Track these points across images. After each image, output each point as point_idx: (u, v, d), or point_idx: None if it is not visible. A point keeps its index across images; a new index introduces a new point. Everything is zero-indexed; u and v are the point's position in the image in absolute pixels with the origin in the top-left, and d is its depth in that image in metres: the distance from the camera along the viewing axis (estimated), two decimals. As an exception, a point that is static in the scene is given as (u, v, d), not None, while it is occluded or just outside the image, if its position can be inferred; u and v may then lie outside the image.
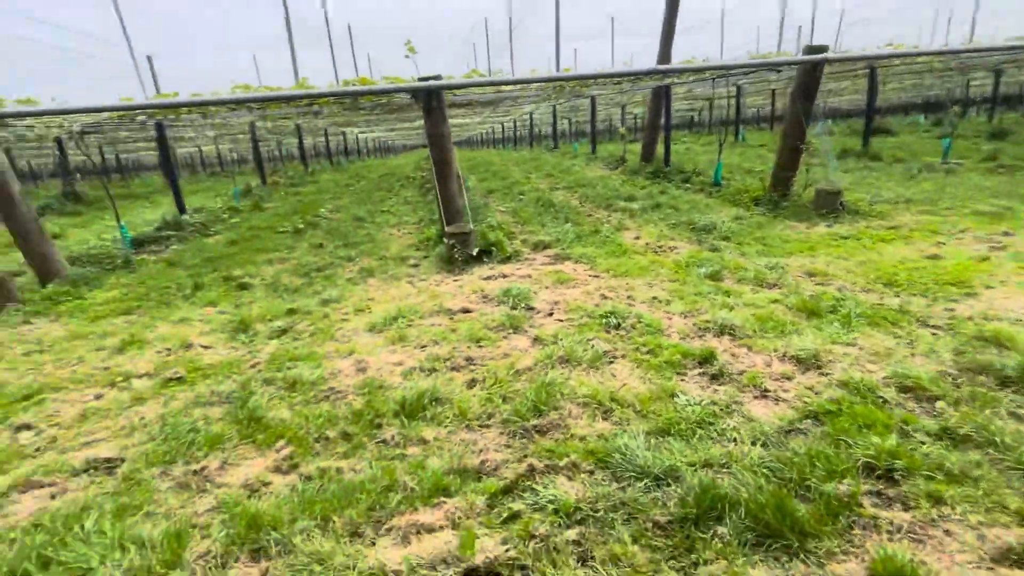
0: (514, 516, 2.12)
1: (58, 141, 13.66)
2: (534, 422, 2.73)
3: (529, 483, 2.29)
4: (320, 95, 5.90)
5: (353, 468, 2.47)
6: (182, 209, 9.48)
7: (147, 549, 2.01)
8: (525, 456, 2.48)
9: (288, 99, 6.08)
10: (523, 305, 4.45)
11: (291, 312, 4.76)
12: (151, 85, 20.14)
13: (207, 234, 8.81)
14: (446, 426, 2.79)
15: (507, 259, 5.99)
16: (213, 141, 23.93)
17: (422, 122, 6.45)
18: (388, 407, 2.94)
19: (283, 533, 2.06)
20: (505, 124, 36.54)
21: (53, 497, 2.43)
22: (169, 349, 4.11)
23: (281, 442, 2.72)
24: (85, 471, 2.61)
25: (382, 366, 3.54)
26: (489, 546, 1.96)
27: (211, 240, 8.38)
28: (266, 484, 2.42)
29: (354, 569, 1.87)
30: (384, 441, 2.68)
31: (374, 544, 2.02)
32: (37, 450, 2.79)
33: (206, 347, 4.12)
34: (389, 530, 2.08)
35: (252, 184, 15.13)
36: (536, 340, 3.77)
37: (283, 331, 4.33)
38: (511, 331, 3.98)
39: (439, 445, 2.63)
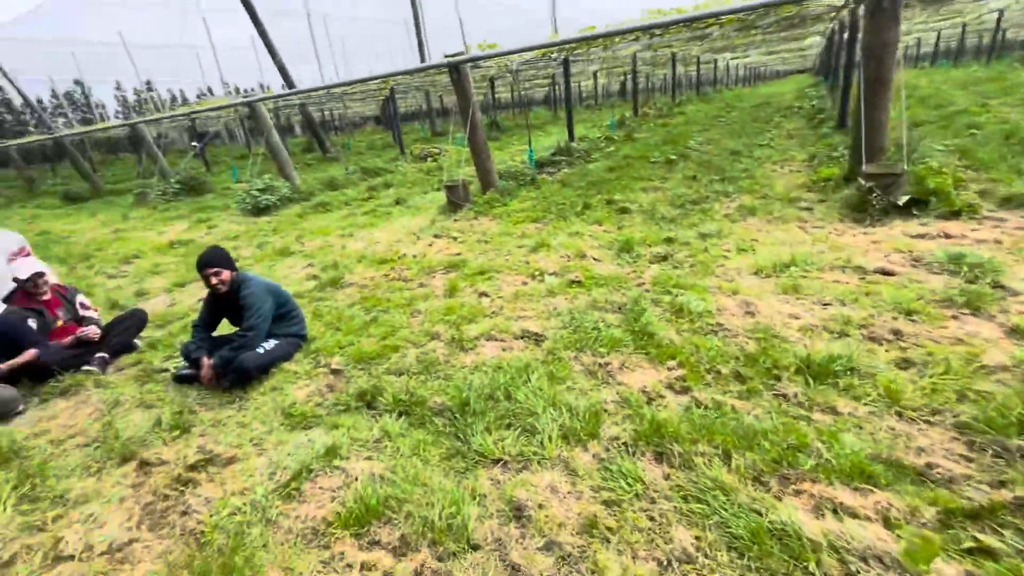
0: (986, 553, 1.60)
1: (490, 81, 17.51)
2: (1018, 442, 1.97)
3: (1013, 520, 1.67)
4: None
5: (750, 412, 2.35)
6: (572, 137, 10.89)
7: (573, 415, 2.44)
8: (1004, 482, 1.82)
9: (710, 16, 5.80)
10: (987, 280, 3.22)
11: (669, 240, 4.86)
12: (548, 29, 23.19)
13: (589, 160, 9.88)
14: (865, 404, 2.32)
15: (953, 214, 4.44)
16: (592, 76, 26.19)
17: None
18: (788, 360, 2.65)
19: (684, 448, 2.15)
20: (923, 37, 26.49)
21: (504, 350, 3.24)
22: (568, 256, 4.83)
23: (672, 362, 2.83)
24: (521, 337, 3.36)
25: (773, 315, 3.21)
26: (950, 574, 1.54)
27: (592, 166, 9.35)
28: (661, 396, 2.57)
29: (764, 516, 1.79)
30: (784, 396, 2.44)
31: (779, 499, 1.88)
32: (493, 313, 3.77)
33: (596, 259, 4.66)
34: (798, 493, 1.90)
35: (625, 115, 16.00)
36: (1014, 331, 2.69)
37: (663, 257, 4.47)
38: (965, 310, 2.96)
39: (856, 423, 2.22)
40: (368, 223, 7.38)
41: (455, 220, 6.74)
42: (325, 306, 4.28)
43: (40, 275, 3.69)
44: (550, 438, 2.31)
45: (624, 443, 2.26)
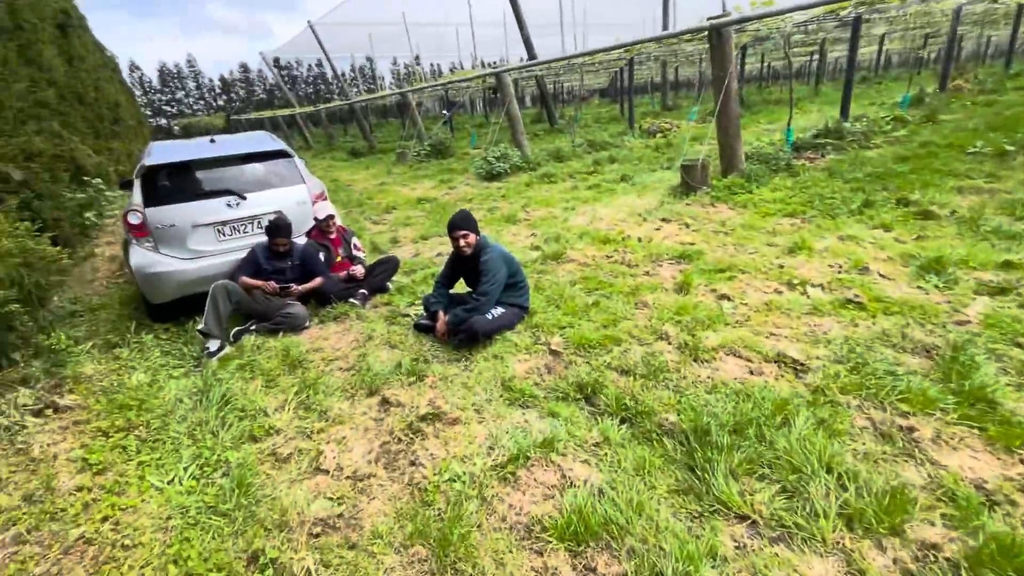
0: None
1: (742, 49, 15.41)
2: None
3: None
4: None
5: None
6: (846, 115, 8.85)
7: (862, 490, 1.81)
8: None
9: None
10: None
11: (1008, 265, 3.46)
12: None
13: (866, 146, 7.90)
14: None
15: None
16: (878, 41, 21.10)
17: None
18: None
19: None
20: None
21: (751, 373, 2.67)
22: (840, 265, 3.83)
23: (1033, 455, 1.91)
24: (775, 361, 2.73)
25: None
26: None
27: (872, 153, 7.44)
28: (1012, 503, 1.74)
29: None
30: None
31: None
32: (737, 322, 3.18)
33: (884, 276, 3.59)
34: None
35: (926, 90, 12.43)
36: None
37: (1000, 289, 3.18)
38: None
39: None
40: (591, 198, 7.20)
41: (687, 204, 6.07)
42: (546, 280, 4.23)
43: (331, 217, 4.43)
44: (825, 513, 1.75)
45: (947, 559, 1.58)
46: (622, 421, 2.39)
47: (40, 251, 3.60)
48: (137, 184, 4.04)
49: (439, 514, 1.98)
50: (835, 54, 29.23)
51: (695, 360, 2.83)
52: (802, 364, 2.66)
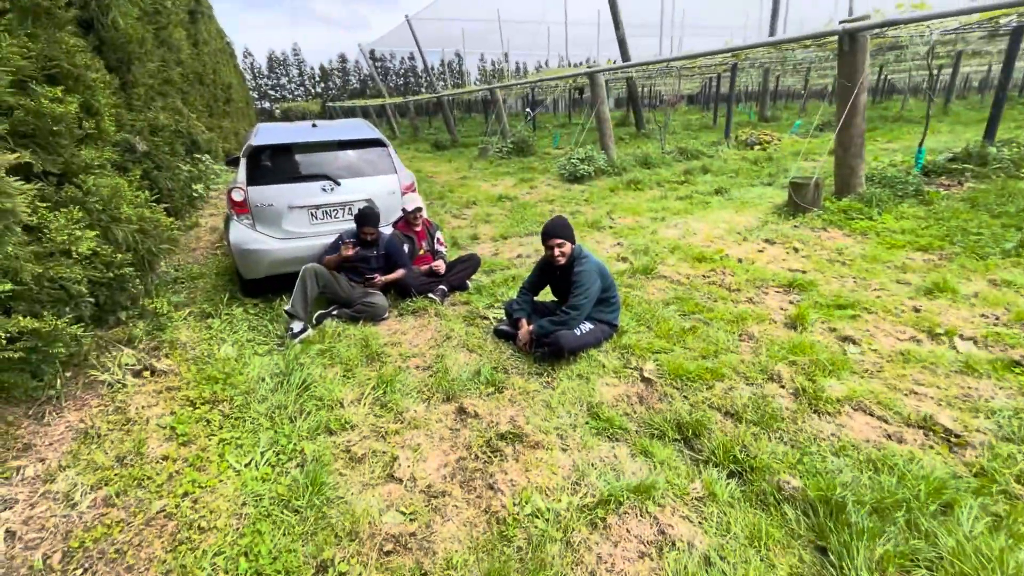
0: None
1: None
2: None
3: None
4: None
5: None
6: (992, 137, 7.70)
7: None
8: None
9: None
10: None
11: None
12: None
13: (1016, 175, 6.82)
14: None
15: None
16: (1025, 55, 18.48)
17: None
18: None
19: None
20: None
21: (888, 437, 2.26)
22: (995, 316, 3.24)
23: None
24: (920, 427, 2.30)
25: None
26: None
27: None
28: None
29: None
30: None
31: None
32: (866, 371, 2.74)
33: (1057, 337, 2.97)
34: None
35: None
36: None
37: None
38: None
39: None
40: (682, 209, 6.75)
41: (795, 225, 5.50)
42: (635, 296, 3.93)
43: (419, 210, 4.38)
44: (1014, 647, 1.37)
45: None
46: (730, 475, 2.08)
47: (155, 219, 3.81)
48: (243, 163, 4.19)
49: (519, 553, 1.78)
50: (968, 68, 26.04)
51: (815, 411, 2.45)
52: (957, 436, 2.21)
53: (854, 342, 3.02)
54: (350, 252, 3.82)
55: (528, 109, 21.99)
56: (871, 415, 2.40)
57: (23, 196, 2.50)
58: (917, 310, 3.40)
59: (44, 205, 2.78)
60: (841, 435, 2.28)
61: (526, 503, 1.98)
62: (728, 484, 2.02)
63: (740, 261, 4.57)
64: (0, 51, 2.55)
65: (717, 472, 2.08)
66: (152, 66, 5.98)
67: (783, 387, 2.65)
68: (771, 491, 1.95)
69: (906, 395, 2.53)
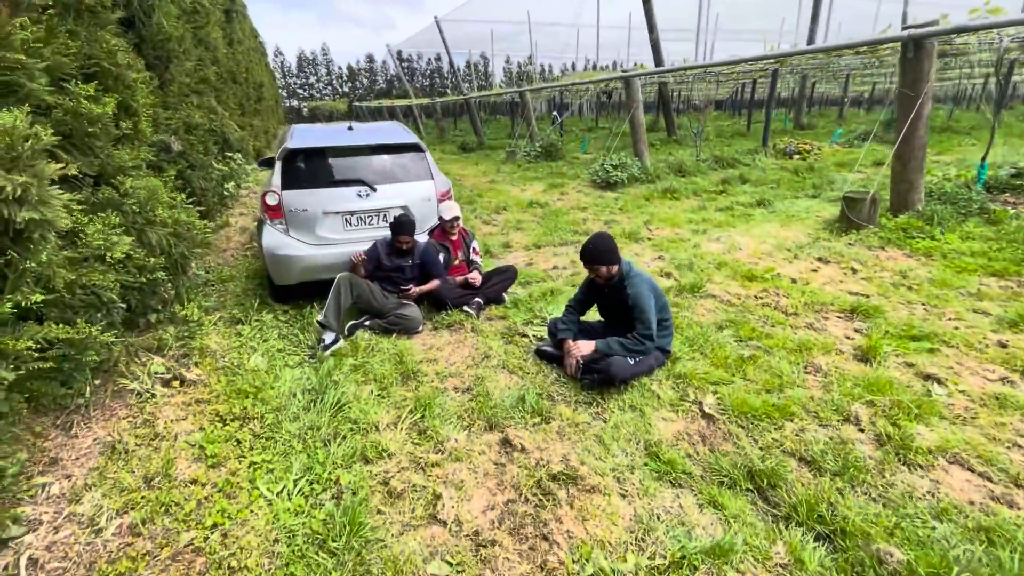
0: None
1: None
2: None
3: None
4: None
5: None
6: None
7: None
8: None
9: None
10: None
11: None
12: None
13: (1089, 194, 6.35)
14: None
15: None
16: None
17: None
18: None
19: None
20: None
21: (994, 499, 1.99)
22: (1095, 356, 2.91)
23: None
24: (1032, 489, 2.02)
25: None
26: None
27: (1098, 204, 5.95)
28: None
29: None
30: None
31: None
32: (958, 417, 2.46)
33: None
34: None
35: None
36: None
37: None
38: None
39: None
40: (724, 222, 6.46)
41: (849, 244, 5.17)
42: (684, 317, 3.69)
43: (457, 219, 4.21)
44: None
45: None
46: (817, 537, 1.84)
47: (190, 223, 3.71)
48: (278, 166, 4.07)
49: (583, 624, 1.58)
50: (1017, 78, 24.89)
51: (904, 463, 2.18)
52: (1080, 503, 1.93)
53: (939, 381, 2.73)
54: (360, 263, 3.71)
55: (555, 113, 21.78)
56: (971, 471, 2.13)
57: (61, 202, 2.40)
58: (1003, 345, 3.09)
59: (79, 208, 2.68)
60: (939, 493, 2.01)
61: (586, 561, 1.78)
62: (816, 549, 1.78)
63: (794, 281, 4.28)
64: (40, 47, 2.45)
65: (801, 533, 1.84)
66: (189, 65, 5.96)
67: (862, 431, 2.39)
68: (870, 563, 1.70)
69: (1008, 448, 2.24)
